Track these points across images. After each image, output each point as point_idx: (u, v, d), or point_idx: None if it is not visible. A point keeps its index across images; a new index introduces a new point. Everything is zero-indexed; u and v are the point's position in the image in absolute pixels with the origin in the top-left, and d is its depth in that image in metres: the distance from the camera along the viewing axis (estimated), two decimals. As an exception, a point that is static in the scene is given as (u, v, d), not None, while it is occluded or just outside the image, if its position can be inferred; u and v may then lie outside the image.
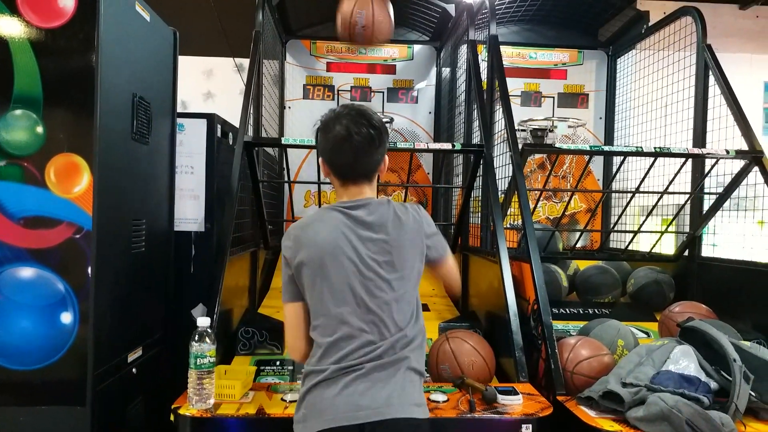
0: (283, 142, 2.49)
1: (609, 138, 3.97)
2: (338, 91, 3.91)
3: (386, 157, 1.55)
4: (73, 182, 1.87)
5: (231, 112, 3.07)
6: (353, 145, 1.45)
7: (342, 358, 1.40)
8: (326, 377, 1.39)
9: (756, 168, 2.56)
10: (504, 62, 2.94)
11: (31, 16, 1.86)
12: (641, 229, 2.97)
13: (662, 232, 2.99)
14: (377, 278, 1.43)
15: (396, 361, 1.41)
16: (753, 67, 4.49)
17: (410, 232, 1.48)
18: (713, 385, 1.79)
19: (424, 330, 1.52)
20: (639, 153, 2.54)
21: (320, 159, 1.55)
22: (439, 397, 1.82)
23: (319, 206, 2.99)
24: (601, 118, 4.00)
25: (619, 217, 3.00)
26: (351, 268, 1.42)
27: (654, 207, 2.83)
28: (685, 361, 1.85)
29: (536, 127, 3.70)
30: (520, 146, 2.64)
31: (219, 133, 2.89)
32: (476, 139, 3.06)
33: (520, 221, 2.51)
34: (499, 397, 1.81)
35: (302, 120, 3.88)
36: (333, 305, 1.42)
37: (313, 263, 1.43)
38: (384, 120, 3.65)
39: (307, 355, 1.49)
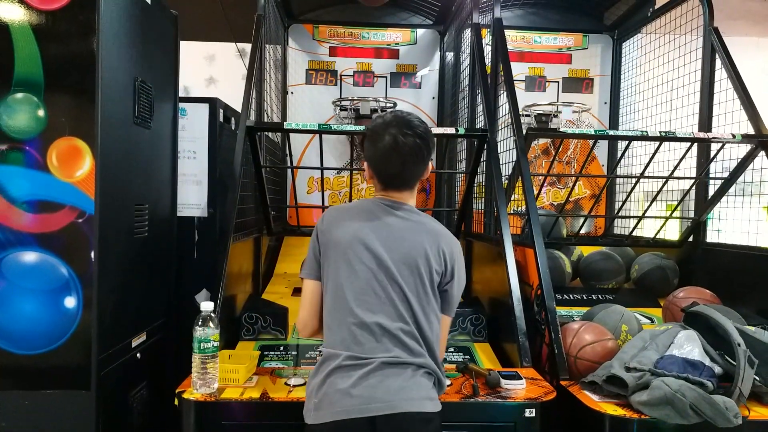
0: (285, 126, 2.47)
1: (614, 123, 3.93)
2: (341, 75, 3.88)
3: (429, 164, 1.58)
4: (75, 166, 1.86)
5: (233, 97, 3.05)
6: (401, 156, 1.49)
7: (355, 349, 1.42)
8: (340, 365, 1.42)
9: (762, 152, 2.53)
10: (508, 46, 2.90)
11: (31, -2, 1.84)
12: (646, 215, 2.95)
13: (667, 218, 2.97)
14: (397, 277, 1.46)
15: (408, 358, 1.43)
16: (760, 51, 4.45)
17: (438, 255, 1.50)
18: (717, 369, 1.78)
19: (439, 330, 1.54)
20: (644, 137, 2.52)
21: (366, 164, 1.58)
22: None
23: (322, 192, 2.99)
24: (606, 103, 3.97)
25: (624, 202, 2.98)
26: (375, 261, 1.46)
27: (659, 192, 2.81)
28: (689, 345, 1.84)
29: (540, 112, 3.67)
30: (524, 131, 2.62)
31: (221, 118, 2.88)
32: (480, 124, 3.03)
33: (523, 207, 2.50)
34: (503, 381, 1.81)
35: (305, 105, 3.85)
36: (351, 295, 1.46)
37: (340, 246, 1.49)
38: (389, 105, 3.66)
39: (315, 333, 1.56)
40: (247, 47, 2.95)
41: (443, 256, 1.51)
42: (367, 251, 1.47)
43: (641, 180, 2.78)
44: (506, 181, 2.77)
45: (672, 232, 3.17)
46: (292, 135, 2.64)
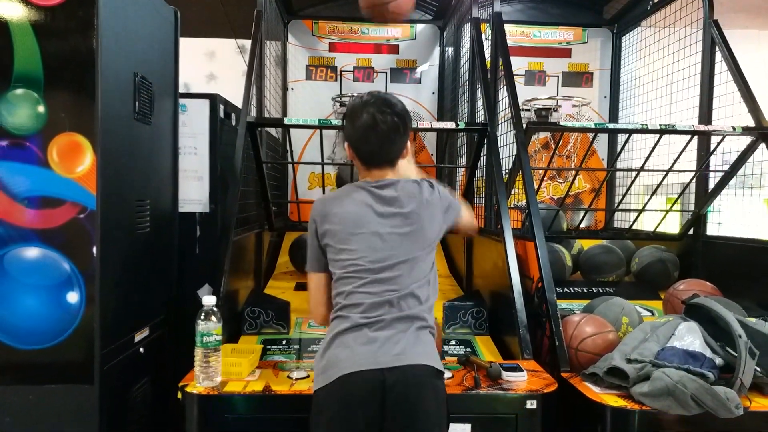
0: (285, 122, 2.48)
1: (613, 117, 3.93)
2: (341, 71, 3.88)
3: (409, 142, 1.62)
4: (75, 162, 1.86)
5: (234, 94, 3.05)
6: (379, 134, 1.52)
7: (360, 317, 1.47)
8: (345, 329, 1.47)
9: (762, 145, 2.53)
10: (508, 41, 2.90)
11: (30, -7, 1.84)
12: (646, 208, 2.96)
13: (667, 211, 2.98)
14: (396, 249, 1.51)
15: (411, 318, 1.49)
16: (760, 44, 4.43)
17: (429, 206, 1.58)
18: (718, 360, 1.79)
19: (437, 292, 1.61)
20: (644, 130, 2.52)
21: (346, 144, 1.62)
22: (445, 374, 1.82)
23: (323, 188, 3.00)
24: (605, 97, 3.97)
25: (624, 196, 2.98)
26: (373, 239, 1.51)
27: (659, 185, 2.81)
28: (690, 337, 1.85)
29: (540, 106, 3.67)
30: (524, 125, 2.62)
31: (222, 114, 2.87)
32: (480, 118, 3.03)
33: (524, 201, 2.50)
34: (504, 373, 1.82)
35: (305, 101, 3.86)
36: (354, 272, 1.50)
37: (337, 233, 1.53)
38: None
39: (327, 319, 1.59)
40: (247, 43, 2.95)
41: (433, 210, 1.58)
42: (362, 232, 1.51)
43: (641, 173, 2.78)
44: (506, 176, 2.77)
45: (672, 225, 3.18)
46: (292, 131, 2.64)
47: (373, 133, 1.52)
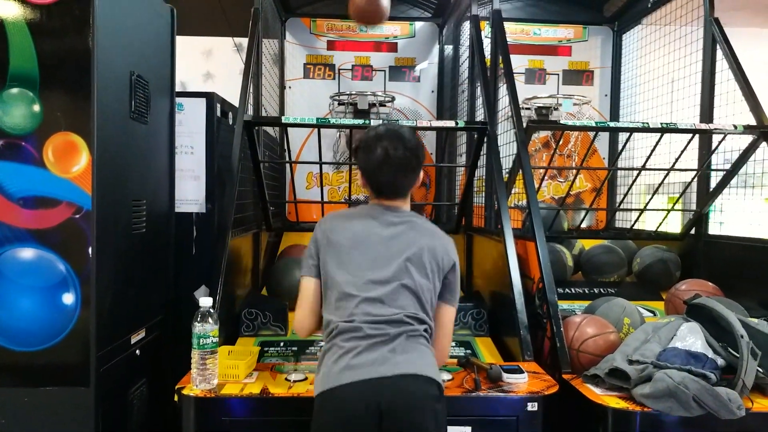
0: (283, 121, 2.46)
1: (614, 115, 3.91)
2: (339, 70, 3.86)
3: (421, 173, 1.66)
4: (71, 162, 1.84)
5: (231, 92, 3.03)
6: (392, 168, 1.57)
7: (358, 340, 1.46)
8: (343, 352, 1.45)
9: (764, 143, 2.52)
10: (508, 39, 2.88)
11: (24, -8, 1.82)
12: (647, 208, 2.94)
13: (668, 210, 2.96)
14: (398, 271, 1.52)
15: (411, 338, 1.49)
16: (762, 41, 4.41)
17: (433, 250, 1.57)
18: (720, 361, 1.77)
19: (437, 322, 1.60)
20: (645, 129, 2.50)
21: (360, 173, 1.65)
22: (444, 375, 1.81)
23: (321, 188, 2.98)
24: (606, 95, 3.94)
25: (625, 195, 2.96)
26: (376, 258, 1.53)
27: (660, 185, 2.79)
28: (691, 337, 1.83)
29: (541, 105, 3.65)
30: (524, 124, 2.60)
31: (219, 113, 2.85)
32: (480, 117, 3.01)
33: (524, 200, 2.48)
34: (504, 375, 1.80)
35: (303, 100, 3.83)
36: (353, 290, 1.50)
37: (342, 247, 1.56)
38: (387, 99, 3.64)
39: (311, 332, 1.61)
40: (245, 42, 2.94)
41: (442, 250, 1.59)
42: (365, 249, 1.54)
43: (642, 172, 2.76)
44: (506, 175, 2.75)
45: (674, 224, 3.16)
46: (290, 130, 2.62)
47: (385, 167, 1.56)
